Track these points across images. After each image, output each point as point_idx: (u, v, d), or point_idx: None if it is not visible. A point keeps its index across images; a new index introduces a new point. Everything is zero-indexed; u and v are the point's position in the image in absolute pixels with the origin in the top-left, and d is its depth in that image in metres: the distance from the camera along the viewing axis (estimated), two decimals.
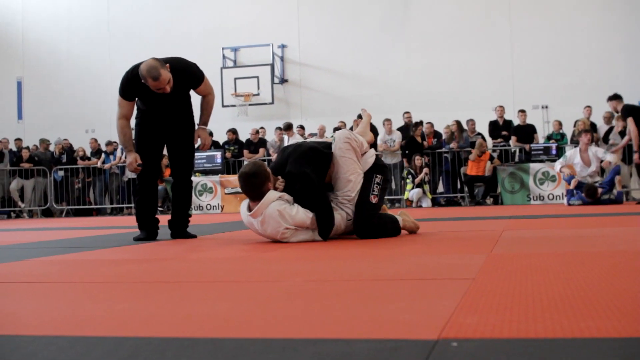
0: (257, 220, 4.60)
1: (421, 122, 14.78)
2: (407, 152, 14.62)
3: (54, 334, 1.77)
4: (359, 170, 4.80)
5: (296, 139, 14.61)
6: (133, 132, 5.67)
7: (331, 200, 4.77)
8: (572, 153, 11.80)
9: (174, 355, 1.49)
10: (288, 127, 15.30)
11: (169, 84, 5.26)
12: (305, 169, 4.63)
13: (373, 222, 4.73)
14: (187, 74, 5.52)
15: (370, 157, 4.92)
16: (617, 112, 11.43)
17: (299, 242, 4.59)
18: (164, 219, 5.93)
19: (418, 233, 5.11)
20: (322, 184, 4.72)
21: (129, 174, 16.11)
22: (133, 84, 5.40)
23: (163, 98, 5.41)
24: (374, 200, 4.75)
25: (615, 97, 11.32)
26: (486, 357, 1.38)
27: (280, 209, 4.51)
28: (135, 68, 5.37)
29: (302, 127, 16.15)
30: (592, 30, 16.77)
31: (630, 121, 10.72)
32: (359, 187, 4.76)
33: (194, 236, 5.74)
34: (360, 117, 15.22)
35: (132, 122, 5.65)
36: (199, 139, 5.75)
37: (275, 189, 4.69)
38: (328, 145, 4.89)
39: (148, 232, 5.67)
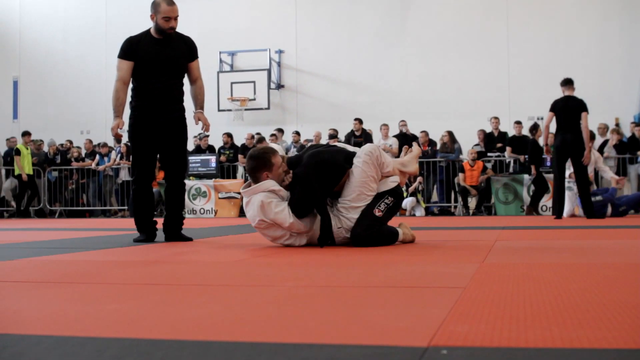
0: (245, 200, 4.74)
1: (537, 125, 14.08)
2: (531, 158, 13.44)
3: (41, 333, 1.76)
4: (372, 185, 4.72)
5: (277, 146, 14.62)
6: (126, 134, 5.74)
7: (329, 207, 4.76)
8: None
9: (162, 357, 1.48)
10: (271, 135, 15.30)
11: (176, 20, 5.60)
12: (311, 177, 4.58)
13: (371, 233, 4.65)
14: (188, 41, 5.85)
15: (392, 182, 4.86)
16: None
17: (290, 247, 4.60)
18: (158, 223, 5.93)
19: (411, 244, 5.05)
20: (325, 195, 4.66)
21: (123, 177, 16.08)
22: (132, 42, 5.66)
23: (161, 62, 5.62)
24: (377, 213, 4.68)
25: (566, 83, 10.40)
26: None
27: (266, 201, 4.56)
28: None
29: (297, 133, 16.14)
30: (589, 42, 16.81)
31: (549, 116, 10.24)
32: (364, 203, 4.69)
33: (190, 239, 5.75)
34: (358, 119, 15.28)
35: (126, 120, 5.73)
36: (199, 122, 5.84)
37: (283, 182, 4.70)
38: (350, 157, 4.79)
39: (147, 233, 5.76)
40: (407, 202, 13.98)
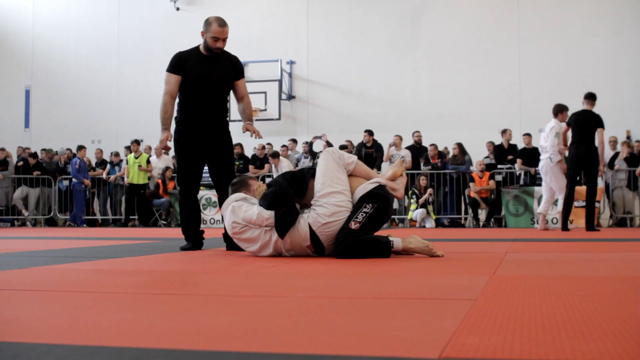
0: (223, 215, 5.04)
1: None
2: None
3: (53, 342, 1.76)
4: (340, 176, 4.78)
5: (283, 166, 14.64)
6: (172, 143, 5.90)
7: (311, 206, 4.77)
8: None
9: None
10: (274, 155, 15.21)
11: (224, 42, 5.72)
12: (280, 179, 4.88)
13: (349, 242, 4.58)
14: (234, 60, 5.96)
15: (370, 184, 4.81)
16: None
17: (297, 258, 4.60)
18: (170, 232, 5.97)
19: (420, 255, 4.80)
20: (293, 194, 4.78)
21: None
22: (181, 57, 5.79)
23: (208, 78, 5.74)
24: (353, 226, 4.60)
25: (586, 97, 10.57)
26: None
27: (236, 205, 4.90)
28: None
29: (308, 144, 16.14)
30: (600, 54, 16.78)
31: (564, 129, 10.48)
32: (335, 198, 4.68)
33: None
34: (368, 131, 15.27)
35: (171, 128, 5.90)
36: (247, 131, 5.95)
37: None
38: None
39: (194, 242, 5.97)
40: (418, 213, 13.97)
